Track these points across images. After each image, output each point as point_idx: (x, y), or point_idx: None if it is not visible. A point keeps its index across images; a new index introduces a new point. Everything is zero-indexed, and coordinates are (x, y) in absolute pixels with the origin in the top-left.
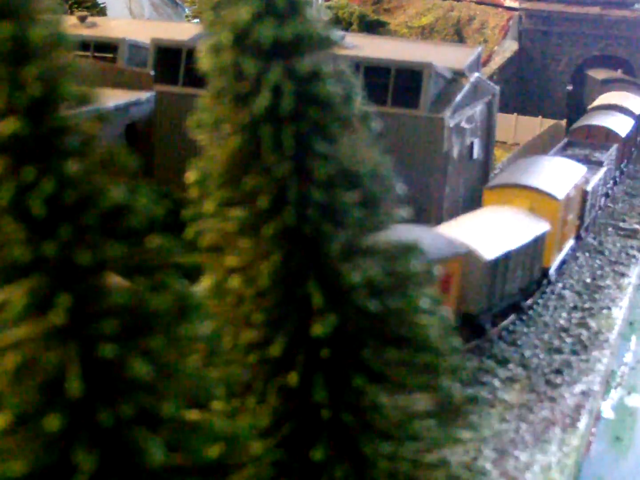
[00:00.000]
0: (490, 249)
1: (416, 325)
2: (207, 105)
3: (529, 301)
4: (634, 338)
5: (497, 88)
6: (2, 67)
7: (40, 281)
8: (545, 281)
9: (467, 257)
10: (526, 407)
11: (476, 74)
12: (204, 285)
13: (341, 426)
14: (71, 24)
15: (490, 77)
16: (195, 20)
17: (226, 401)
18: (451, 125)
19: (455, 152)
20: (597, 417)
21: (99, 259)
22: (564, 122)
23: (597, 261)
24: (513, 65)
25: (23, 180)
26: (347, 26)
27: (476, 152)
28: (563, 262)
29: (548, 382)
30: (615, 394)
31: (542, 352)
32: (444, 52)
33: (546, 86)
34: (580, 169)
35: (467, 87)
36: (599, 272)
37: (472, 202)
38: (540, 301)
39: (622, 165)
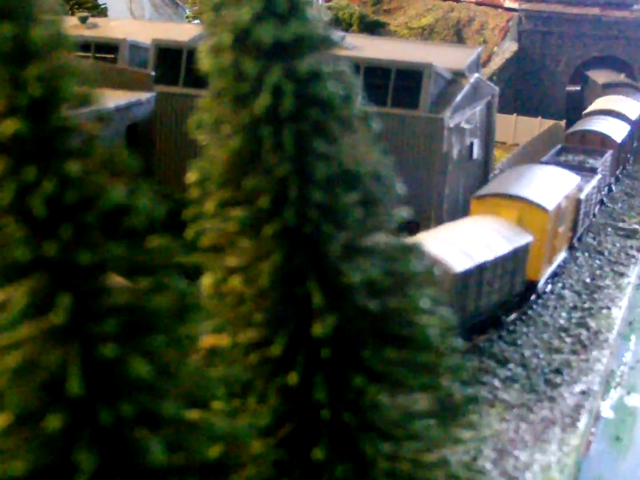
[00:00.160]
0: (461, 261)
1: (416, 325)
2: (207, 106)
3: (513, 316)
4: (633, 338)
5: (497, 89)
6: (3, 68)
7: (41, 281)
8: (533, 296)
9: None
10: (526, 406)
11: (476, 75)
12: (204, 285)
13: (341, 426)
14: (72, 25)
15: (490, 78)
16: (196, 21)
17: (226, 401)
18: (451, 125)
19: (455, 153)
20: (596, 417)
21: (100, 259)
22: (563, 122)
23: (597, 261)
24: (512, 66)
25: (24, 181)
26: (347, 27)
27: (476, 153)
28: (554, 275)
29: (548, 382)
30: (614, 394)
31: (542, 351)
32: (444, 53)
33: (545, 87)
34: (573, 179)
35: (466, 87)
36: (598, 272)
37: None
38: (540, 301)
39: (617, 172)
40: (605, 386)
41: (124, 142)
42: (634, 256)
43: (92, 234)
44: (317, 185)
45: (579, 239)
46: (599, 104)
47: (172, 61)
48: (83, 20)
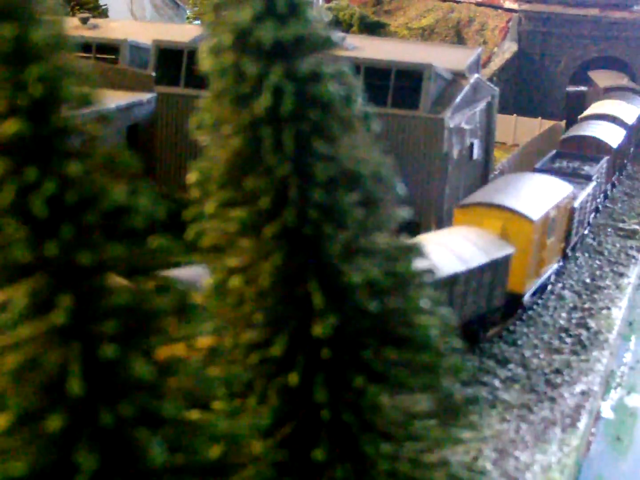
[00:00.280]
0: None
1: (416, 325)
2: (208, 106)
3: (492, 331)
4: (633, 338)
5: (497, 89)
6: (4, 68)
7: (42, 281)
8: (519, 309)
9: None
10: (526, 407)
11: (476, 75)
12: (205, 286)
13: (342, 426)
14: (73, 26)
15: (490, 79)
16: (197, 22)
17: (227, 401)
18: (451, 126)
19: (455, 153)
20: (596, 417)
21: (100, 259)
22: (563, 123)
23: (597, 261)
24: (512, 66)
25: (25, 181)
26: (347, 28)
27: (476, 153)
28: (544, 287)
29: (548, 382)
30: (614, 394)
31: (542, 352)
32: (444, 54)
33: (545, 87)
34: (565, 188)
35: (467, 88)
36: (598, 273)
37: None
38: (540, 301)
39: (613, 179)
40: (606, 386)
41: (124, 143)
42: (634, 256)
43: (92, 235)
44: (317, 185)
45: (573, 248)
46: (596, 108)
47: (172, 62)
48: (84, 21)
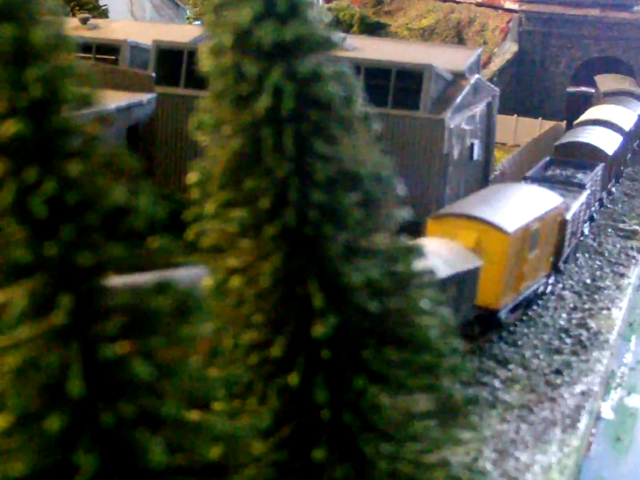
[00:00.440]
0: None
1: (416, 325)
2: (208, 107)
3: (467, 346)
4: (633, 339)
5: (497, 89)
6: (4, 69)
7: (42, 282)
8: (496, 326)
9: None
10: (526, 407)
11: (476, 76)
12: (205, 286)
13: (342, 427)
14: (73, 26)
15: (490, 79)
16: (197, 22)
17: (227, 402)
18: (451, 126)
19: (455, 154)
20: (597, 418)
21: (101, 259)
22: (563, 123)
23: (597, 262)
24: (513, 67)
25: (25, 181)
26: (347, 28)
27: (476, 154)
28: (528, 303)
29: (548, 383)
30: (615, 395)
31: (542, 352)
32: (444, 54)
33: (546, 88)
34: (553, 199)
35: (467, 88)
36: (598, 273)
37: None
38: (540, 302)
39: (609, 186)
40: (606, 387)
41: (124, 143)
42: (634, 257)
43: (92, 235)
44: (317, 186)
45: (566, 260)
46: (591, 113)
47: (172, 62)
48: (84, 21)
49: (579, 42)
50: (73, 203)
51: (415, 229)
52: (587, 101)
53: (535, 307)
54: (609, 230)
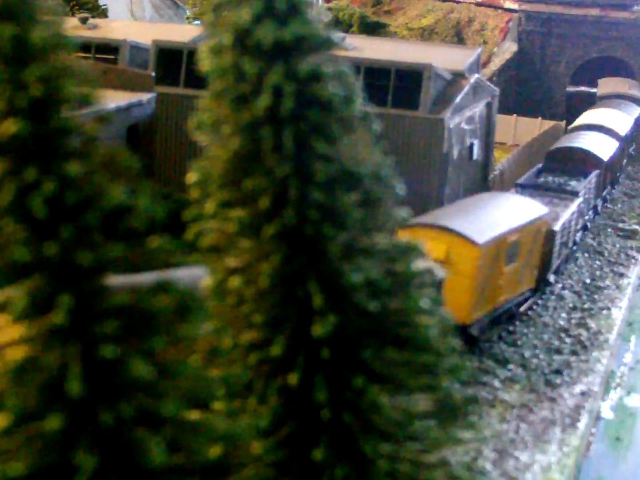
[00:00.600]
0: None
1: (416, 325)
2: (207, 106)
3: None
4: (633, 338)
5: (497, 89)
6: (4, 68)
7: (41, 281)
8: (469, 342)
9: None
10: (526, 407)
11: (476, 75)
12: (204, 286)
13: (341, 426)
14: (72, 26)
15: (490, 79)
16: (196, 22)
17: (226, 401)
18: (451, 126)
19: (455, 153)
20: (596, 418)
21: (100, 259)
22: (563, 123)
23: (597, 262)
24: (512, 66)
25: (24, 181)
26: (347, 28)
27: (476, 153)
28: (510, 317)
29: (548, 383)
30: (614, 395)
31: (542, 352)
32: (444, 54)
33: (545, 87)
34: (537, 209)
35: (466, 88)
36: (598, 273)
37: None
38: (540, 302)
39: (604, 193)
40: (605, 387)
41: (124, 143)
42: (633, 257)
43: (92, 235)
44: (317, 185)
45: (557, 271)
46: (586, 117)
47: (172, 62)
48: (83, 21)
49: (579, 42)
50: (73, 203)
51: None
52: (587, 101)
53: (535, 307)
54: (609, 230)
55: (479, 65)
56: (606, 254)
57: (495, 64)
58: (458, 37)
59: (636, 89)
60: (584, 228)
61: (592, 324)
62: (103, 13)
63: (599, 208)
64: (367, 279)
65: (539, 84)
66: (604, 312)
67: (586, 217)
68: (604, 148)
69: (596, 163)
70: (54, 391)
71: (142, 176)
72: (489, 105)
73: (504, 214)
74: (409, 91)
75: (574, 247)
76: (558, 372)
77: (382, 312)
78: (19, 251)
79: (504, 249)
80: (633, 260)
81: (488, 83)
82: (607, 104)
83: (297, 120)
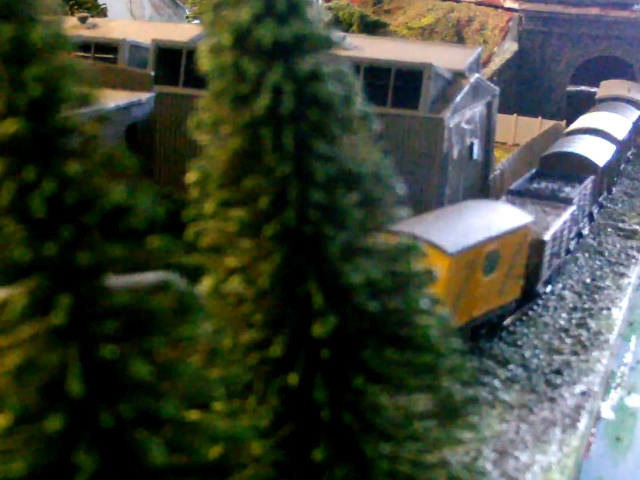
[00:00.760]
0: None
1: (416, 325)
2: (207, 106)
3: None
4: (633, 338)
5: (497, 89)
6: (3, 68)
7: (41, 282)
8: None
9: None
10: (526, 407)
11: (476, 75)
12: (204, 286)
13: (341, 426)
14: (72, 25)
15: (490, 78)
16: (196, 21)
17: (226, 402)
18: (451, 125)
19: (455, 153)
20: (597, 418)
21: (100, 259)
22: (563, 123)
23: (597, 262)
24: (513, 66)
25: (24, 181)
26: (347, 27)
27: (476, 153)
28: (491, 328)
29: (548, 383)
30: (615, 395)
31: (542, 352)
32: (444, 53)
33: (546, 87)
34: (519, 218)
35: (467, 87)
36: (598, 273)
37: None
38: (540, 302)
39: (600, 199)
40: (606, 387)
41: (123, 143)
42: (634, 257)
43: (91, 235)
44: (317, 185)
45: (547, 282)
46: (583, 121)
47: (171, 61)
48: (83, 20)
49: (579, 41)
50: (72, 202)
51: None
52: (587, 101)
53: (535, 307)
54: (609, 229)
55: (479, 64)
56: (606, 254)
57: (496, 63)
58: (458, 37)
59: (637, 92)
60: (579, 235)
61: (592, 324)
62: (102, 12)
63: (595, 215)
64: (367, 279)
65: (540, 83)
66: (605, 312)
67: (581, 225)
68: (600, 153)
69: (592, 168)
70: (54, 391)
71: (142, 176)
72: (489, 105)
73: (482, 222)
74: (409, 91)
75: (568, 256)
76: (558, 372)
77: (382, 312)
78: (18, 251)
79: (480, 258)
80: (633, 260)
81: (488, 82)
82: (605, 107)
83: (297, 120)
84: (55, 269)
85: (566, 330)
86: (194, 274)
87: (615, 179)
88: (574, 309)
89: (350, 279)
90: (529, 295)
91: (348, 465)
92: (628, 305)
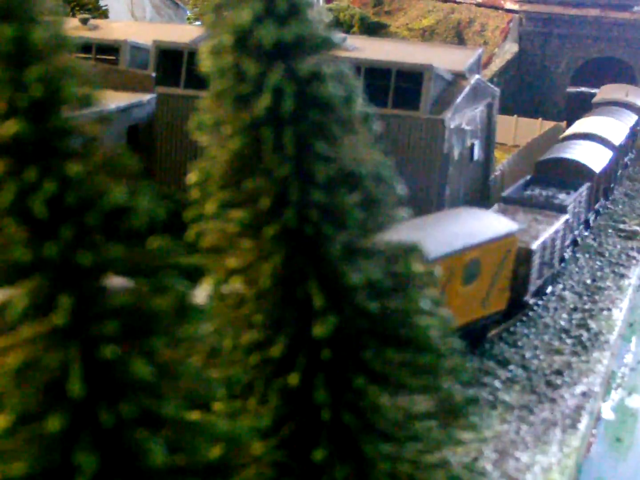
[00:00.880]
0: None
1: (417, 326)
2: (208, 107)
3: None
4: (634, 339)
5: (497, 90)
6: (4, 69)
7: (42, 282)
8: None
9: None
10: (526, 408)
11: (476, 76)
12: (205, 287)
13: (342, 427)
14: (73, 26)
15: (491, 79)
16: (197, 23)
17: (227, 402)
18: (452, 127)
19: (455, 154)
20: (597, 418)
21: (100, 260)
22: (563, 124)
23: (597, 262)
24: (513, 67)
25: (25, 182)
26: (348, 28)
27: (477, 154)
28: (474, 340)
29: (548, 383)
30: (615, 395)
31: (543, 353)
32: (445, 54)
33: (546, 88)
34: (503, 226)
35: (467, 89)
36: (599, 274)
37: (472, 203)
38: (540, 302)
39: (597, 206)
40: (606, 387)
41: (124, 144)
42: (634, 257)
43: (92, 235)
44: (317, 186)
45: (537, 293)
46: (579, 126)
47: (173, 62)
48: (84, 21)
49: (579, 43)
50: (73, 203)
51: None
52: (587, 102)
53: (535, 308)
54: (610, 230)
55: (479, 65)
56: (607, 254)
57: (496, 64)
58: (458, 38)
59: (635, 96)
60: (574, 243)
61: (592, 324)
62: (104, 14)
63: (591, 222)
64: (368, 280)
65: (540, 84)
66: (605, 312)
67: (576, 232)
68: (596, 159)
69: (588, 175)
70: (55, 392)
71: (143, 177)
72: (489, 106)
73: (464, 230)
74: (410, 92)
75: (562, 265)
76: (559, 372)
77: (382, 312)
78: (19, 251)
79: (459, 267)
80: (634, 261)
81: (489, 84)
82: (602, 112)
83: (298, 120)
84: (56, 269)
85: (567, 331)
86: (195, 275)
87: (612, 185)
88: (575, 309)
89: (351, 280)
90: (516, 306)
91: (348, 466)
92: (628, 306)
